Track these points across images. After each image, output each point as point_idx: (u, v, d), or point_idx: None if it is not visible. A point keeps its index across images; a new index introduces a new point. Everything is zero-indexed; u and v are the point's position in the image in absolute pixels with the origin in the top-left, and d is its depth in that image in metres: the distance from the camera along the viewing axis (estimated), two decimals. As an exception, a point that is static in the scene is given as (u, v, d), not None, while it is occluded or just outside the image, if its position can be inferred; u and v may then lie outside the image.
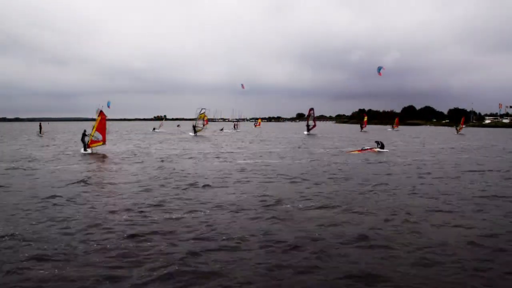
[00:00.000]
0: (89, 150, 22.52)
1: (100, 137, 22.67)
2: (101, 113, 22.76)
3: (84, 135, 23.29)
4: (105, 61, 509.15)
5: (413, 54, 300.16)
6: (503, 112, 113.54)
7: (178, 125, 64.46)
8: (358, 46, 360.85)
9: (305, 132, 49.32)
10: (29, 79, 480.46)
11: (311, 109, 49.30)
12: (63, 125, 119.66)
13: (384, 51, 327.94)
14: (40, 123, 53.66)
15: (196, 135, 44.94)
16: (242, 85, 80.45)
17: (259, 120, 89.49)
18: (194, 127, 46.87)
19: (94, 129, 22.41)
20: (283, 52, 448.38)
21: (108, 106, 50.07)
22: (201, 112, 46.43)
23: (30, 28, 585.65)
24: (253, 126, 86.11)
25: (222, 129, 62.39)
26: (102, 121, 22.62)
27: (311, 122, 49.62)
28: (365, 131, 58.88)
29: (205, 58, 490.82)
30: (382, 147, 24.50)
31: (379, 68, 45.98)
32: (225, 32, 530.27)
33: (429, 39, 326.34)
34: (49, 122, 46.67)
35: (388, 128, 74.85)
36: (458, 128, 56.53)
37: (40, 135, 47.49)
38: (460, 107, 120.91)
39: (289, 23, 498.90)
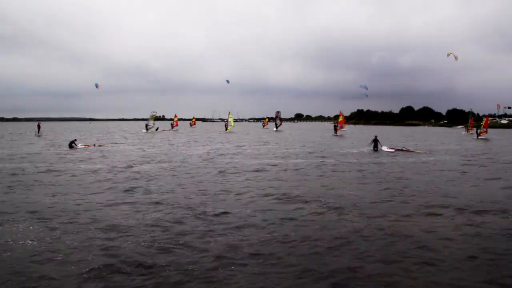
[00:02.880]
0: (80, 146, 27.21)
1: None
2: None
3: (72, 142, 27.38)
4: (110, 60, 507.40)
5: (424, 55, 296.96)
6: (501, 113, 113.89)
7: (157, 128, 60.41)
8: (364, 47, 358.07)
9: (274, 129, 65.00)
10: (31, 78, 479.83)
11: (278, 111, 67.21)
12: (57, 125, 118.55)
13: (396, 53, 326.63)
14: (38, 123, 53.51)
15: (147, 132, 54.88)
16: (227, 81, 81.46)
17: (266, 120, 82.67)
18: (146, 125, 57.34)
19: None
20: (290, 52, 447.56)
21: (96, 86, 59.59)
22: (152, 114, 58.18)
23: (42, 25, 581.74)
24: (262, 126, 78.38)
25: (226, 127, 60.88)
26: None
27: (278, 121, 66.84)
28: (339, 135, 47.43)
29: (212, 58, 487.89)
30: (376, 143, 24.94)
31: (364, 88, 52.48)
32: (235, 31, 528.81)
33: (440, 39, 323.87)
34: (40, 122, 46.36)
35: (462, 131, 62.18)
36: (478, 131, 43.82)
37: (38, 135, 47.34)
38: (458, 108, 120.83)
39: (298, 24, 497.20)
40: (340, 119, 51.66)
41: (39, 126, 50.82)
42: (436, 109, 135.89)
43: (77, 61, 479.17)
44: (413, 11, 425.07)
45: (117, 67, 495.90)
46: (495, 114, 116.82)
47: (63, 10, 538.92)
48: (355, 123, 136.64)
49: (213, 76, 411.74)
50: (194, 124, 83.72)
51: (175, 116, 70.79)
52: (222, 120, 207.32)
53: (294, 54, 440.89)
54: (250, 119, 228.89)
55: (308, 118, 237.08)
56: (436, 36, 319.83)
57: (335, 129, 49.54)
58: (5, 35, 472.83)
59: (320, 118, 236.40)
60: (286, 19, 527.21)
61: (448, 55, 43.13)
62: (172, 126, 67.87)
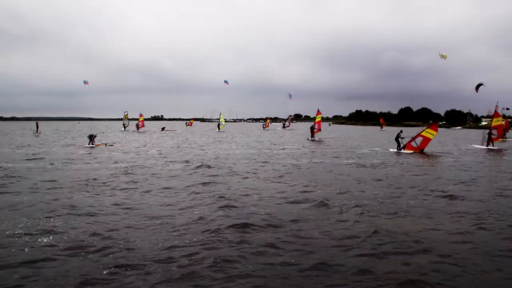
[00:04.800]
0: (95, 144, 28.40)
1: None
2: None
3: (92, 136, 28.99)
4: (114, 59, 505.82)
5: (432, 56, 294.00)
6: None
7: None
8: (372, 47, 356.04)
9: (281, 128, 74.62)
10: (34, 77, 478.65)
11: (290, 115, 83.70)
12: (50, 124, 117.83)
13: (404, 53, 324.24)
14: (36, 123, 53.71)
15: (125, 130, 59.38)
16: (226, 81, 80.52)
17: (268, 121, 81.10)
18: (123, 124, 61.66)
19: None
20: (296, 53, 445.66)
21: (85, 83, 62.34)
22: (125, 114, 62.09)
23: (49, 24, 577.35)
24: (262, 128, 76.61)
25: (218, 126, 64.31)
26: None
27: (287, 123, 78.66)
28: (314, 139, 37.73)
29: (217, 57, 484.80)
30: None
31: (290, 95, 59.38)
32: (242, 31, 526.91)
33: (451, 40, 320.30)
34: (38, 122, 46.26)
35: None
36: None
37: (37, 134, 47.42)
38: (457, 109, 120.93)
39: (307, 24, 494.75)
40: (318, 119, 38.76)
41: (37, 126, 51.15)
42: (437, 110, 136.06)
43: (81, 60, 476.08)
44: (425, 12, 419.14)
45: (121, 66, 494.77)
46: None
47: (68, 9, 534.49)
48: (329, 123, 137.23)
49: (217, 76, 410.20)
50: (191, 124, 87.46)
51: (141, 115, 60.01)
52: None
53: (300, 54, 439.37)
54: (248, 119, 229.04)
55: (307, 118, 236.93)
56: (446, 36, 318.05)
57: (312, 132, 38.35)
58: (12, 33, 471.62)
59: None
60: (294, 19, 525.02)
61: (442, 56, 41.76)
62: (138, 127, 58.38)
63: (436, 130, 24.13)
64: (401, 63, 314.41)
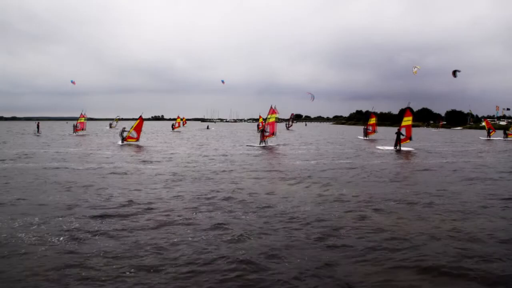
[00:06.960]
0: (124, 143, 28.86)
1: (135, 135, 28.86)
2: (140, 117, 29.39)
3: (123, 131, 29.91)
4: (118, 58, 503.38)
5: (444, 56, 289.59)
6: (500, 114, 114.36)
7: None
8: (375, 47, 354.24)
9: (285, 128, 73.80)
10: (37, 76, 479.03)
11: (292, 114, 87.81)
12: (53, 124, 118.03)
13: (412, 54, 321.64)
14: (37, 123, 53.89)
15: (110, 129, 62.99)
16: (222, 81, 79.63)
17: (261, 120, 76.23)
18: (110, 124, 68.50)
19: (132, 128, 28.99)
20: (304, 53, 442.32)
21: (72, 82, 61.38)
22: (116, 117, 72.05)
23: (54, 23, 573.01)
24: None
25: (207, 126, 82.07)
26: (140, 124, 29.17)
27: (290, 123, 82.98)
28: (265, 145, 28.80)
29: (223, 57, 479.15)
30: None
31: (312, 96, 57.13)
32: (250, 30, 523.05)
33: (463, 40, 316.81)
34: (39, 122, 46.90)
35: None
36: (490, 131, 45.01)
37: (37, 134, 47.59)
38: (457, 109, 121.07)
39: (318, 23, 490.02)
40: (271, 119, 29.03)
41: (38, 126, 51.44)
42: (438, 110, 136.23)
43: (84, 60, 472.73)
44: (439, 11, 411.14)
45: (125, 65, 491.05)
46: (494, 115, 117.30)
47: (76, 7, 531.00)
48: (354, 124, 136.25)
49: (222, 75, 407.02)
50: (184, 124, 78.38)
51: (81, 115, 48.29)
52: (221, 120, 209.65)
53: (309, 54, 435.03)
54: (249, 119, 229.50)
55: (307, 118, 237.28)
56: (459, 36, 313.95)
57: (262, 134, 29.40)
58: (15, 31, 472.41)
59: (320, 119, 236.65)
60: (306, 19, 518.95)
61: (414, 72, 40.66)
62: (75, 129, 47.26)
63: (410, 115, 27.35)
64: (411, 64, 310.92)
